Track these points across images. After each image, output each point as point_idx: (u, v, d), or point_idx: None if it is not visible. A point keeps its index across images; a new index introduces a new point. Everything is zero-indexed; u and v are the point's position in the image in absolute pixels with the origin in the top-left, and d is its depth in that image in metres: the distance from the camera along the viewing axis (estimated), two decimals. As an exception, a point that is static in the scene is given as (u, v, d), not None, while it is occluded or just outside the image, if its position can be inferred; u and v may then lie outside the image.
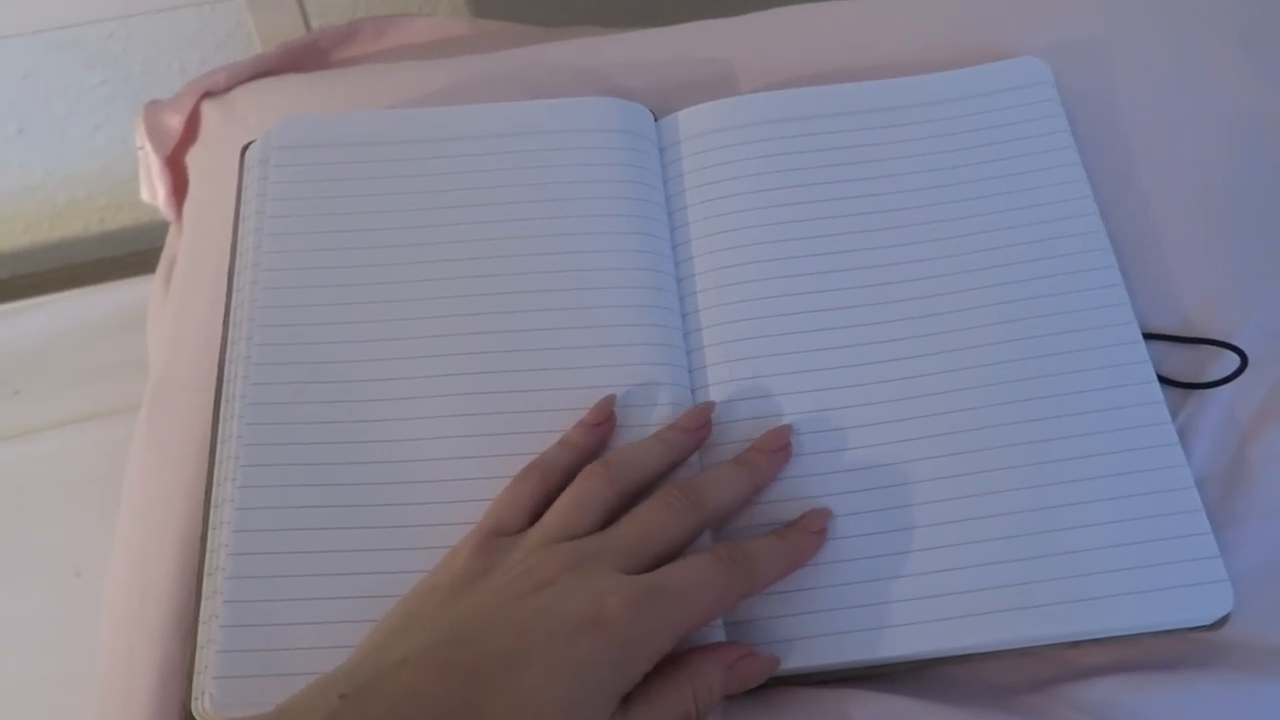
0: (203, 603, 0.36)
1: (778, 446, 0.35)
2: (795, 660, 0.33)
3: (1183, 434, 0.36)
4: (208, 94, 0.54)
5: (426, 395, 0.38)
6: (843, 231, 0.39)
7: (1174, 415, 0.36)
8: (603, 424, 0.36)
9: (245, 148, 0.46)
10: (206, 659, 0.34)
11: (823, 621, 0.33)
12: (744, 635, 0.33)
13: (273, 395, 0.38)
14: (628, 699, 0.29)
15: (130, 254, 0.77)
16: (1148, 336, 0.37)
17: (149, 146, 0.54)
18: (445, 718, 0.28)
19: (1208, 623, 0.33)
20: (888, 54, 0.45)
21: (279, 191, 0.42)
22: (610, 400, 0.37)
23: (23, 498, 0.57)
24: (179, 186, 0.54)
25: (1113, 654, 0.34)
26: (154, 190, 0.56)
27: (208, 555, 0.37)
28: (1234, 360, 0.37)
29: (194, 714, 0.34)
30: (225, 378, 0.40)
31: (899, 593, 0.33)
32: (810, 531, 0.34)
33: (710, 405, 0.37)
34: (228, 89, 0.54)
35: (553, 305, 0.39)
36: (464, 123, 0.43)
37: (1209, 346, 0.38)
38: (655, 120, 0.44)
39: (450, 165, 0.43)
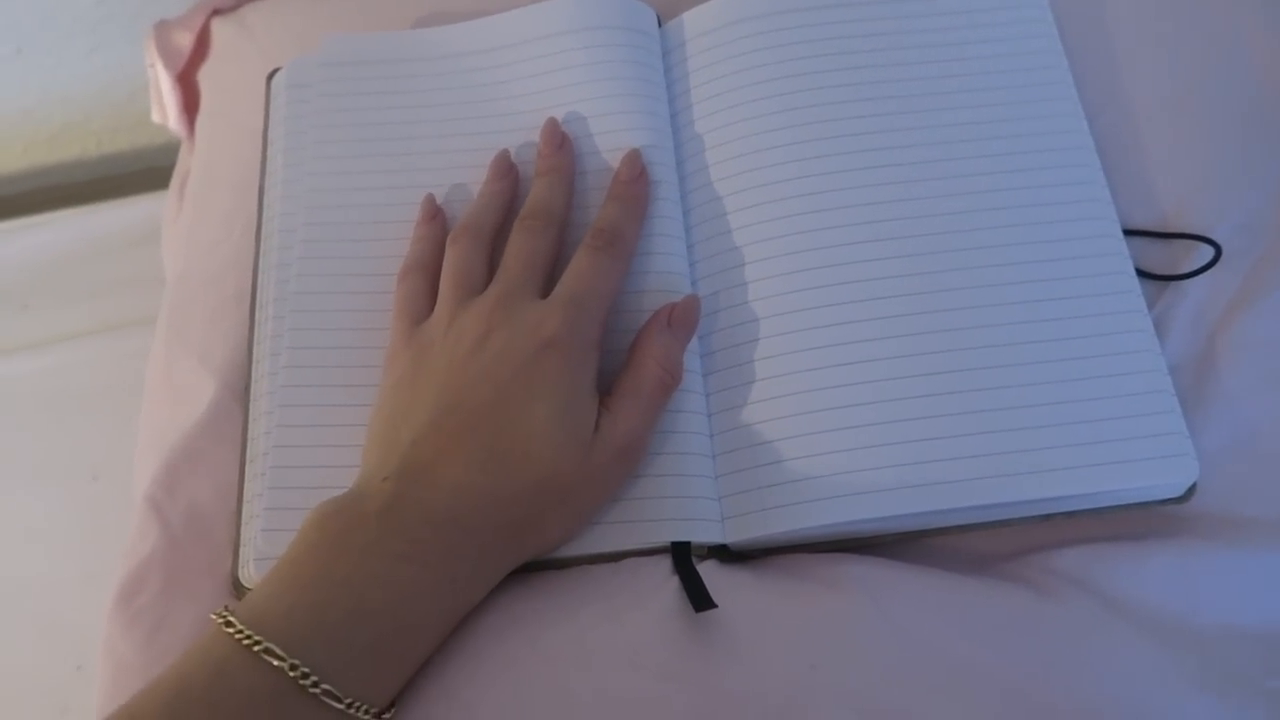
0: (245, 484, 0.38)
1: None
2: (786, 524, 0.35)
3: (1159, 323, 0.39)
4: (216, 11, 0.55)
5: None
6: (838, 118, 0.40)
7: (1151, 306, 0.39)
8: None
9: (273, 73, 0.47)
10: (251, 532, 0.36)
11: (811, 487, 0.35)
12: (739, 505, 0.36)
13: (314, 286, 0.40)
14: (607, 397, 0.35)
15: (128, 173, 0.78)
16: (1128, 233, 0.40)
17: (160, 64, 0.55)
18: (472, 462, 0.32)
19: (1176, 495, 0.36)
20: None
21: (318, 107, 0.44)
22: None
23: (38, 408, 0.58)
24: (190, 103, 0.55)
25: (1086, 528, 0.36)
26: (164, 109, 0.57)
27: (249, 442, 0.39)
28: (1209, 253, 0.39)
29: (240, 580, 0.37)
30: (259, 282, 0.42)
31: (882, 459, 0.35)
32: (633, 176, 0.39)
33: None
34: (236, 6, 0.55)
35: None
36: (473, 37, 0.45)
37: (1185, 241, 0.40)
38: (660, 25, 0.45)
39: (469, 79, 0.45)
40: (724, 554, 0.36)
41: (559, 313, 0.35)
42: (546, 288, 0.37)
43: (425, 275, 0.38)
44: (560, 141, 0.41)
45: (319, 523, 0.32)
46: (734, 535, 0.36)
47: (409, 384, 0.35)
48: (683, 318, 0.37)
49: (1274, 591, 0.35)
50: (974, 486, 0.34)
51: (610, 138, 0.42)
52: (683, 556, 0.34)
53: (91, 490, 0.55)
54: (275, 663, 0.28)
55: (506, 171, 0.41)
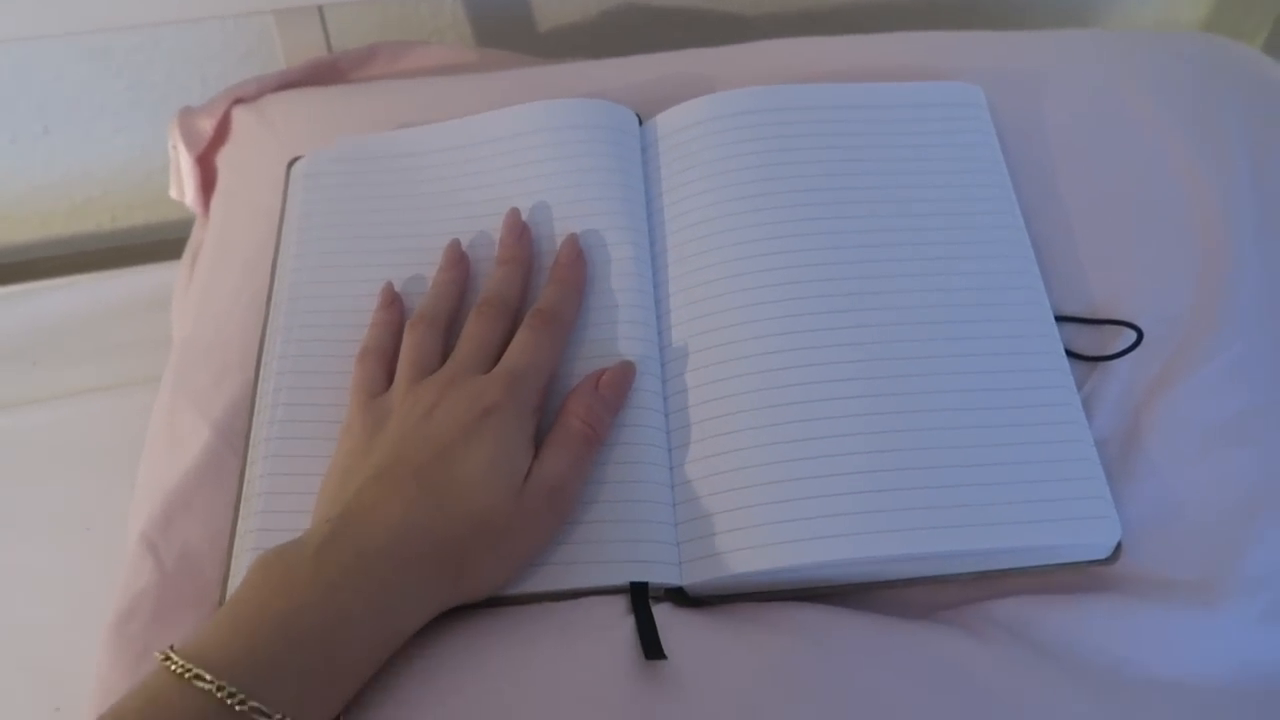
0: (238, 523, 0.41)
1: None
2: (738, 566, 0.37)
3: (1089, 401, 0.42)
4: (238, 100, 0.60)
5: None
6: (793, 215, 0.44)
7: (1081, 385, 0.43)
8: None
9: (292, 162, 0.52)
10: (239, 567, 0.39)
11: (764, 533, 0.38)
12: (696, 549, 0.39)
13: (309, 350, 0.44)
14: (538, 448, 0.38)
15: (140, 245, 0.82)
16: (1060, 319, 0.44)
17: (182, 146, 0.59)
18: (409, 503, 0.35)
19: (1103, 556, 0.39)
20: (853, 80, 0.52)
21: (327, 195, 0.49)
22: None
23: (38, 460, 0.60)
24: (207, 183, 0.60)
25: (1023, 584, 0.39)
26: (181, 186, 0.61)
27: (245, 484, 0.42)
28: (1132, 337, 0.43)
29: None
30: (265, 345, 0.46)
31: (831, 509, 0.38)
32: (571, 260, 0.44)
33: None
34: (256, 96, 0.60)
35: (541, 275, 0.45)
36: (468, 132, 0.50)
37: (1112, 327, 0.44)
38: (640, 124, 0.50)
39: (463, 169, 0.49)
40: (680, 598, 0.39)
41: (499, 382, 0.38)
42: (491, 366, 0.40)
43: (381, 358, 0.42)
44: (520, 232, 0.45)
45: (262, 565, 0.34)
46: (689, 578, 0.38)
47: (362, 449, 0.38)
48: (612, 381, 0.41)
49: (1195, 648, 0.38)
50: (913, 536, 0.37)
51: (590, 220, 0.46)
52: (640, 599, 0.37)
53: (84, 540, 0.57)
54: (204, 685, 0.30)
55: (457, 261, 0.45)
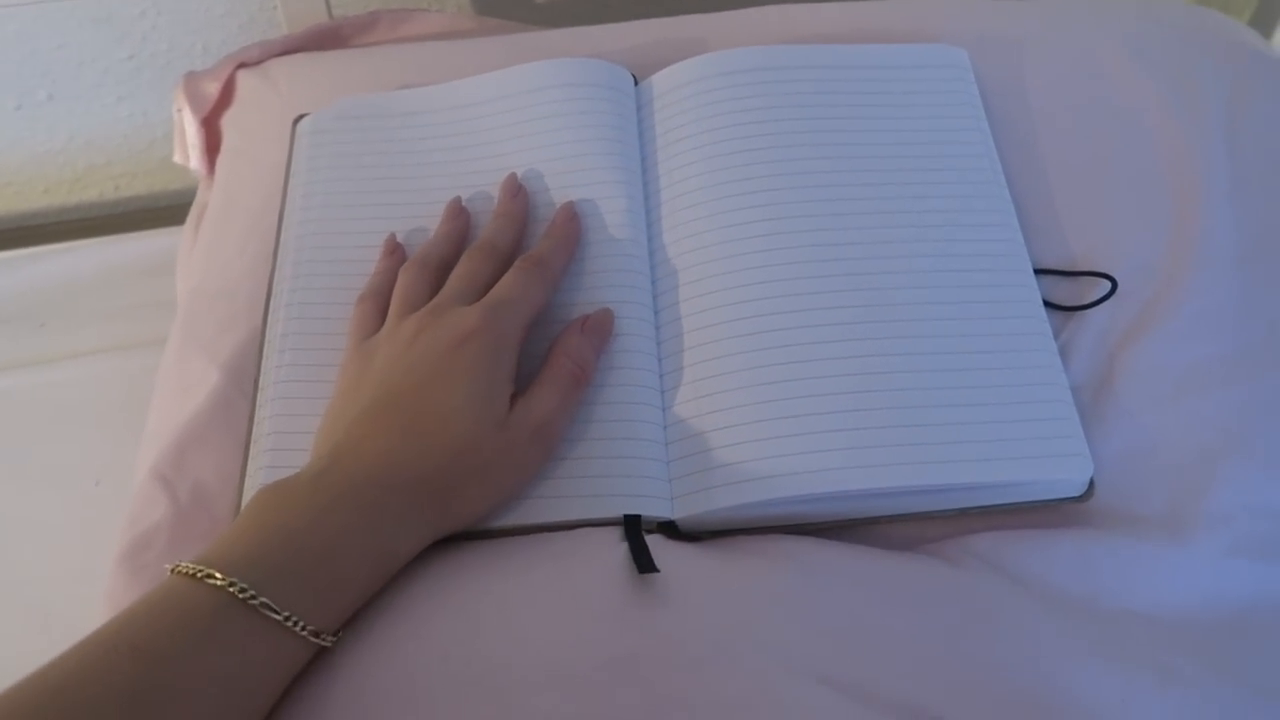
0: (248, 462, 0.43)
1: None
2: (727, 500, 0.39)
3: (1065, 349, 0.44)
4: (242, 65, 0.61)
5: None
6: (781, 169, 0.46)
7: (1058, 334, 0.44)
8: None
9: (297, 119, 0.53)
10: (254, 484, 0.41)
11: (751, 468, 0.39)
12: (687, 485, 0.40)
13: (313, 298, 0.46)
14: (525, 391, 0.40)
15: (142, 212, 0.83)
16: (1039, 271, 0.45)
17: (188, 109, 0.60)
18: (392, 434, 0.37)
19: (1076, 494, 0.41)
20: (840, 42, 0.53)
21: (333, 151, 0.51)
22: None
23: (48, 418, 0.62)
24: (211, 145, 0.61)
25: (1000, 519, 0.41)
26: (186, 150, 0.62)
27: (254, 425, 0.44)
28: (1107, 288, 0.45)
29: None
30: (274, 290, 0.48)
31: (816, 445, 0.39)
32: (566, 219, 0.45)
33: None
34: (260, 61, 0.61)
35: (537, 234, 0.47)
36: (465, 93, 0.52)
37: (1089, 279, 0.46)
38: (636, 84, 0.52)
39: (458, 128, 0.51)
40: (672, 531, 0.40)
41: (478, 312, 0.40)
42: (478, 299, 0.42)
43: (377, 301, 0.44)
44: (516, 191, 0.47)
45: (261, 494, 0.36)
46: (681, 511, 0.40)
47: (354, 386, 0.40)
48: (596, 325, 0.43)
49: (1164, 580, 0.39)
50: (895, 470, 0.39)
51: (586, 174, 0.47)
52: (633, 526, 0.38)
53: (93, 494, 0.59)
54: (216, 583, 0.32)
55: (457, 214, 0.47)
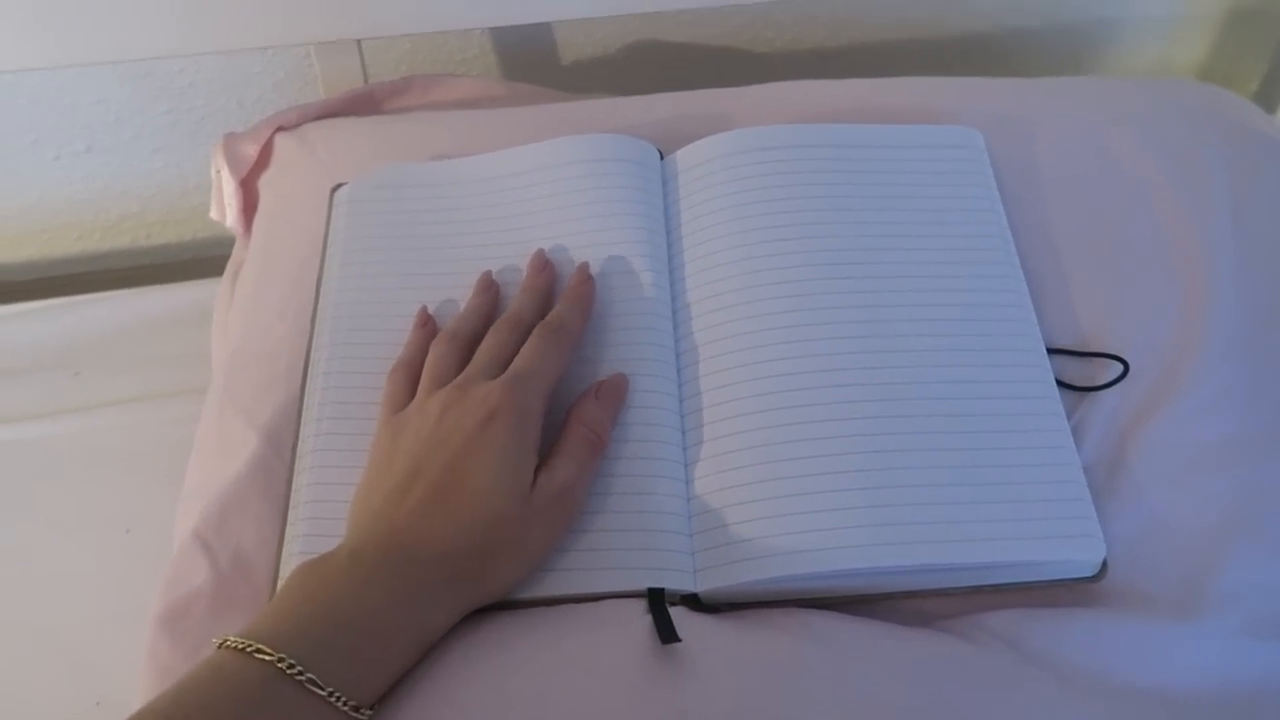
0: (287, 528, 0.44)
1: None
2: (748, 575, 0.40)
3: (1078, 429, 0.45)
4: (280, 128, 0.63)
5: None
6: (801, 246, 0.48)
7: (1071, 414, 0.46)
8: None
9: (336, 187, 0.56)
10: (287, 570, 0.42)
11: (772, 544, 0.40)
12: (709, 558, 0.41)
13: (351, 366, 0.48)
14: (545, 459, 0.41)
15: (173, 262, 0.85)
16: (1052, 351, 0.47)
17: (226, 170, 0.62)
18: (426, 515, 0.38)
19: (1089, 574, 0.42)
20: (859, 121, 0.55)
21: (370, 220, 0.53)
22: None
23: (81, 465, 0.63)
24: (249, 204, 0.63)
25: (1016, 598, 0.42)
26: (223, 208, 0.64)
27: (293, 492, 0.45)
28: (1118, 369, 0.46)
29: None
30: (311, 359, 0.49)
31: (836, 522, 0.40)
32: (580, 281, 0.47)
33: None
34: (298, 124, 0.63)
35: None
36: (499, 165, 0.54)
37: (1100, 359, 0.47)
38: (661, 158, 0.54)
39: (493, 199, 0.53)
40: (695, 604, 0.41)
41: (501, 387, 0.41)
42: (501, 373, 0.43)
43: (409, 372, 0.45)
44: (542, 266, 0.49)
45: (301, 571, 0.38)
46: (703, 585, 0.41)
47: (386, 460, 0.41)
48: (609, 391, 0.44)
49: (1175, 658, 0.40)
50: (911, 549, 0.40)
51: (613, 248, 0.49)
52: (657, 600, 0.40)
53: (123, 542, 0.60)
54: (265, 658, 0.33)
55: (487, 287, 0.49)
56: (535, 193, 0.52)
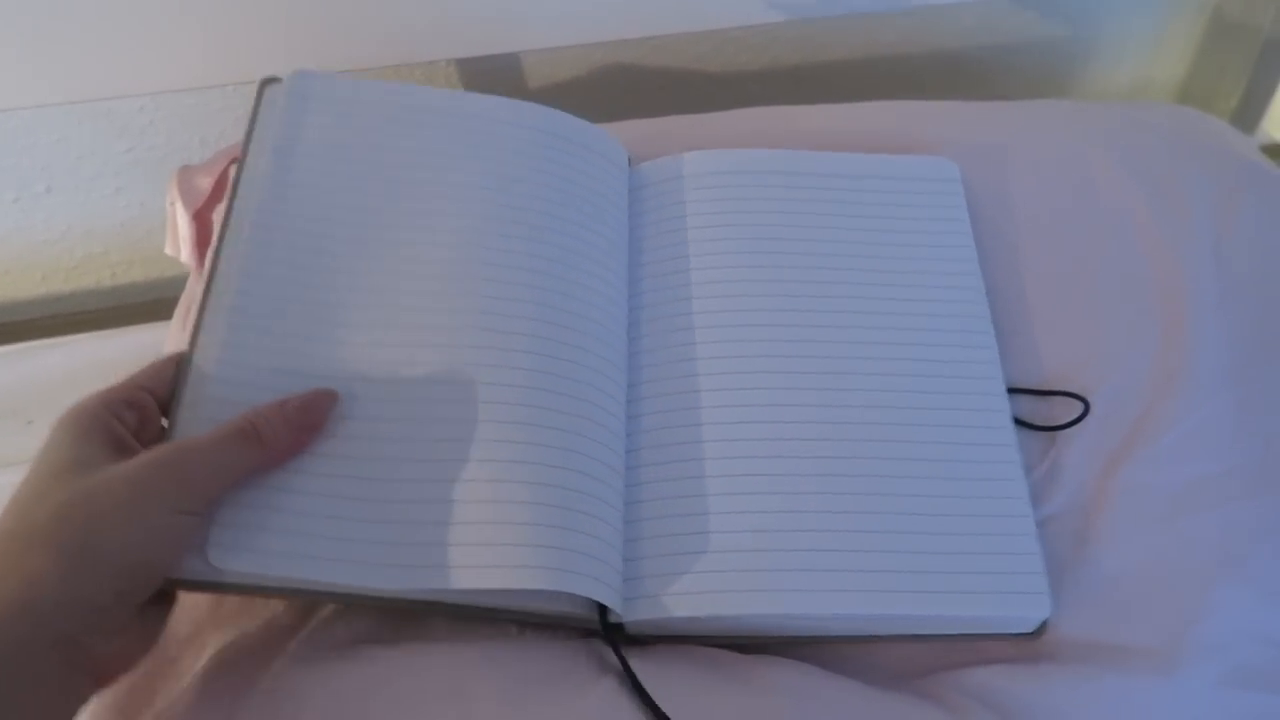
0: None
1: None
2: (687, 609, 0.38)
3: (1049, 472, 0.44)
4: (234, 160, 0.61)
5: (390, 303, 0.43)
6: (764, 275, 0.46)
7: (1042, 458, 0.44)
8: None
9: (265, 81, 0.50)
10: None
11: (702, 580, 0.39)
12: (638, 588, 0.39)
13: (266, 273, 0.44)
14: None
15: (139, 303, 0.83)
16: (1012, 390, 0.45)
17: (180, 203, 0.61)
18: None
19: (1027, 630, 0.40)
20: (832, 147, 0.53)
21: (322, 120, 0.48)
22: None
23: (30, 516, 0.61)
24: (203, 238, 0.61)
25: (988, 652, 0.40)
26: (177, 242, 0.62)
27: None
28: (1081, 409, 0.45)
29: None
30: (218, 264, 0.45)
31: (779, 564, 0.39)
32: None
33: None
34: (253, 158, 0.61)
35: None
36: (470, 106, 0.48)
37: (1065, 399, 0.46)
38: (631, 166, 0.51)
39: (456, 139, 0.47)
40: (619, 634, 0.39)
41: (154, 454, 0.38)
42: None
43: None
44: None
45: None
46: (632, 614, 0.39)
47: None
48: (301, 408, 0.39)
49: (1155, 713, 0.38)
50: (850, 597, 0.38)
51: (577, 235, 0.46)
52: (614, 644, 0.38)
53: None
54: None
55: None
56: (501, 145, 0.47)
